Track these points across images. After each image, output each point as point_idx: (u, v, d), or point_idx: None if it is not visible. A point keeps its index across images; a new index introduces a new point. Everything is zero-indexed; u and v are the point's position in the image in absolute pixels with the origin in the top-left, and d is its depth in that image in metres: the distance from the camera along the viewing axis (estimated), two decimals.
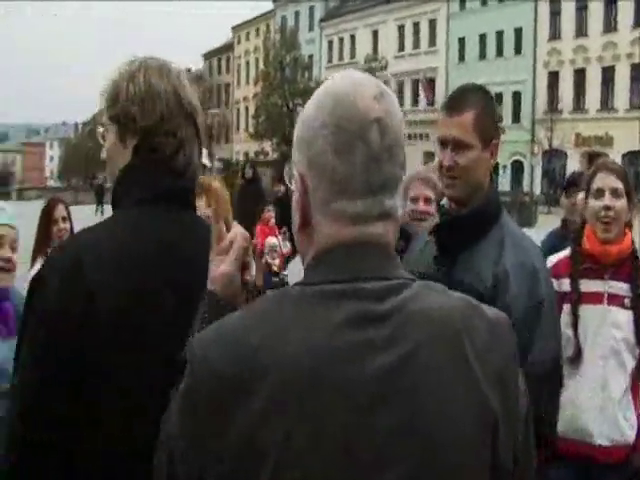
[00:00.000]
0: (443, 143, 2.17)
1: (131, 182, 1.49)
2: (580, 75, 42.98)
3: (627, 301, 2.74)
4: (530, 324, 2.02)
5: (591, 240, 2.81)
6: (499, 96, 45.83)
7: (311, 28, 59.66)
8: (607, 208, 2.74)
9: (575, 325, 2.74)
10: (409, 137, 46.21)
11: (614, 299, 2.74)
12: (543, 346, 2.04)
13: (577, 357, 2.73)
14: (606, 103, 41.65)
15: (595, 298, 2.76)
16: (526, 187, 41.87)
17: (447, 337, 1.03)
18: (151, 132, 1.48)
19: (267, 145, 55.60)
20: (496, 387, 1.04)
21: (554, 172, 42.30)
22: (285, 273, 8.74)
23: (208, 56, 78.92)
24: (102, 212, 31.59)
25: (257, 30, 65.17)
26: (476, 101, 2.18)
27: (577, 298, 2.75)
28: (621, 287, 2.75)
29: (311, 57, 58.46)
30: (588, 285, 2.77)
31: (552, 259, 2.88)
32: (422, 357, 1.01)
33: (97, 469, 1.34)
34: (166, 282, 1.40)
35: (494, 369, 1.05)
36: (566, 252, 2.91)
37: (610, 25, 41.22)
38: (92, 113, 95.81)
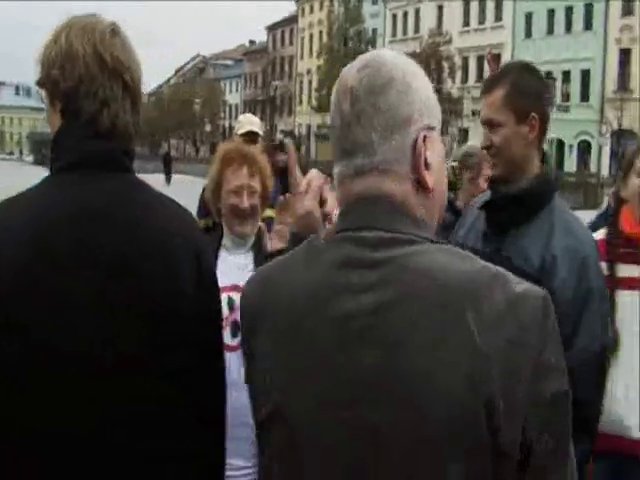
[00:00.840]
0: (483, 124, 2.22)
1: (58, 148, 1.47)
2: None
3: None
4: (577, 311, 2.00)
5: (629, 222, 2.69)
6: (567, 74, 44.74)
7: (375, 2, 59.04)
8: None
9: (612, 312, 2.58)
10: (472, 114, 45.60)
11: None
12: (590, 334, 2.02)
13: (614, 345, 2.59)
14: None
15: (633, 283, 2.62)
16: (593, 168, 40.92)
17: (442, 297, 1.03)
18: (72, 95, 1.45)
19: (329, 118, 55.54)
20: (501, 361, 1.01)
21: (624, 153, 41.24)
22: None
23: (272, 28, 78.90)
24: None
25: (321, 3, 64.82)
26: (508, 78, 2.18)
27: (614, 283, 2.60)
28: None
29: (375, 31, 57.95)
30: (625, 270, 2.64)
31: None
32: (403, 309, 1.04)
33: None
34: (83, 246, 1.37)
35: (504, 342, 1.01)
36: (601, 233, 2.75)
37: None
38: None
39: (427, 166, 1.11)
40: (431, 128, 1.14)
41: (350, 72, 1.15)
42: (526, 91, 2.18)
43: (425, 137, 1.12)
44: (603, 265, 2.51)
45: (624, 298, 2.62)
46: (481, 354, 1.00)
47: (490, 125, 2.18)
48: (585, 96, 44.61)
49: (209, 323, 1.52)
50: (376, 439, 1.02)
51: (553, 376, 1.05)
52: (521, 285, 1.06)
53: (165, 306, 1.41)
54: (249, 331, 1.19)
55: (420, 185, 1.12)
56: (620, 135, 40.44)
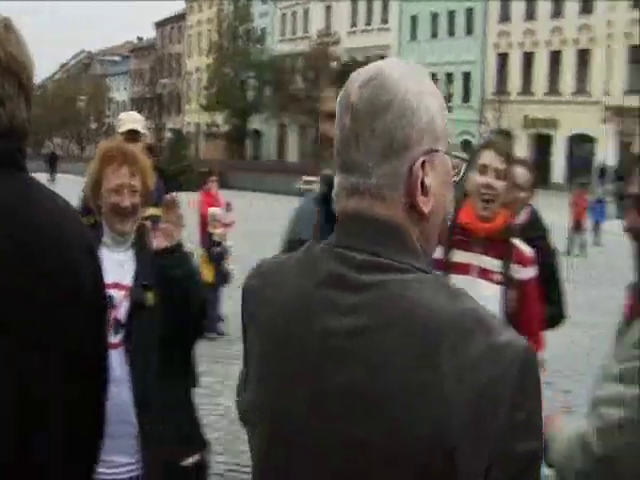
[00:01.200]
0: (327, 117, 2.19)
1: None
2: (528, 58, 43.73)
3: (496, 277, 2.78)
4: None
5: (468, 213, 2.84)
6: (449, 76, 46.27)
7: (264, 1, 59.14)
8: (489, 186, 2.80)
9: None
10: None
11: (484, 273, 2.79)
12: None
13: None
14: (553, 86, 42.52)
15: (465, 269, 2.80)
16: None
17: (419, 334, 1.01)
18: None
19: (218, 117, 55.23)
20: (469, 412, 0.99)
21: None
22: (229, 243, 8.84)
23: (160, 25, 77.62)
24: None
25: (210, 1, 64.35)
26: None
27: (448, 267, 2.77)
28: (492, 263, 2.79)
29: (264, 30, 58.07)
30: (460, 256, 2.81)
31: None
32: (378, 337, 1.03)
33: None
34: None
35: (473, 392, 0.99)
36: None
37: (558, 10, 41.97)
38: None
39: (425, 191, 1.08)
40: (434, 151, 1.10)
41: (354, 85, 1.11)
42: None
43: (424, 162, 1.08)
44: (440, 249, 2.73)
45: (456, 281, 2.76)
46: (446, 402, 0.99)
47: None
48: (466, 97, 46.33)
49: (103, 318, 1.55)
50: (364, 453, 1.02)
51: (523, 435, 1.01)
52: (505, 335, 1.03)
53: (67, 302, 1.41)
54: (244, 327, 1.22)
55: (415, 210, 1.09)
56: (498, 135, 42.27)
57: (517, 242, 2.87)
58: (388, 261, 1.07)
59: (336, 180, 1.14)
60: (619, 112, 37.25)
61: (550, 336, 3.25)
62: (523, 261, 2.81)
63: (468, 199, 2.87)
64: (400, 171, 1.08)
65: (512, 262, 2.80)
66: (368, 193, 1.09)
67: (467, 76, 46.35)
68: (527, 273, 2.83)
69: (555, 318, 3.53)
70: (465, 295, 1.08)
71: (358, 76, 1.12)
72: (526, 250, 2.85)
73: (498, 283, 2.76)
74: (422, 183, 1.08)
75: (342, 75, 2.19)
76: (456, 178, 1.15)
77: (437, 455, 0.98)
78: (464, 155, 1.25)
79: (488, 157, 2.84)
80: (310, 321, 1.08)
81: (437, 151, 1.11)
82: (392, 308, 1.04)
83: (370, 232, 1.09)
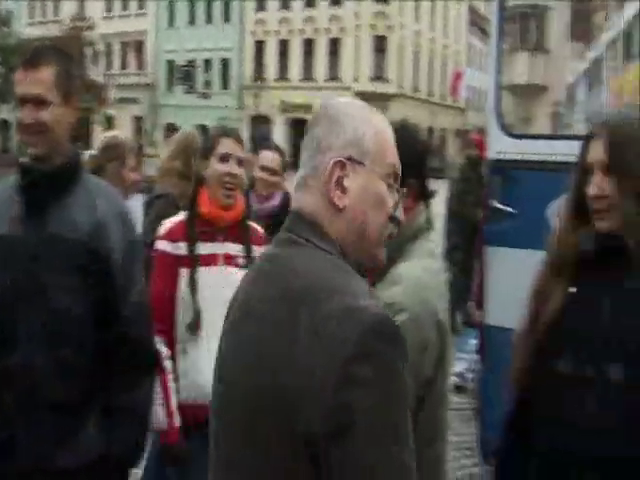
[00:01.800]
0: (22, 100, 2.16)
1: None
2: (284, 45, 45.17)
3: (241, 261, 2.83)
4: (129, 262, 2.23)
5: (208, 204, 2.84)
6: (208, 62, 46.54)
7: None
8: (231, 175, 2.82)
9: (194, 289, 2.76)
10: (120, 101, 45.25)
11: (230, 259, 2.83)
12: (141, 281, 2.30)
13: (196, 321, 2.75)
14: (307, 73, 44.30)
15: (212, 260, 2.81)
16: None
17: (288, 296, 1.23)
18: None
19: None
20: (316, 368, 1.13)
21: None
22: None
23: None
24: None
25: None
26: (55, 58, 2.18)
27: (195, 261, 2.78)
28: (235, 248, 2.84)
29: (11, 13, 54.50)
30: (205, 248, 2.81)
31: (166, 224, 2.87)
32: (263, 301, 1.27)
33: None
34: None
35: (323, 349, 1.15)
36: (181, 216, 2.88)
37: (311, 1, 43.79)
38: None
39: (342, 189, 1.30)
40: (356, 161, 1.32)
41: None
42: (72, 74, 2.27)
43: (343, 163, 1.30)
44: (183, 245, 2.78)
45: (205, 274, 2.79)
46: (305, 354, 1.15)
47: (39, 102, 2.14)
48: (225, 84, 46.88)
49: None
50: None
51: (357, 389, 1.12)
52: (365, 302, 1.19)
53: None
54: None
55: (331, 204, 1.30)
56: (259, 120, 43.28)
57: (252, 224, 2.97)
58: (294, 236, 1.30)
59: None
60: (365, 97, 39.67)
61: None
62: (259, 241, 2.89)
63: (204, 190, 2.87)
64: (321, 165, 1.31)
65: (252, 244, 2.87)
66: (301, 183, 1.34)
67: (226, 63, 46.84)
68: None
69: None
70: (352, 273, 1.28)
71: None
72: (260, 231, 2.97)
73: (243, 266, 2.79)
74: (340, 181, 1.30)
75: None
76: (391, 212, 1.36)
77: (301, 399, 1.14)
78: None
79: (228, 145, 2.85)
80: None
81: (362, 163, 1.32)
82: (279, 274, 1.27)
83: (294, 217, 1.32)
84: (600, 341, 1.88)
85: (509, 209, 3.64)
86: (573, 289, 1.96)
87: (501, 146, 3.70)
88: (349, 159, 1.32)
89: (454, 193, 7.35)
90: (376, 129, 1.36)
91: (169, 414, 2.71)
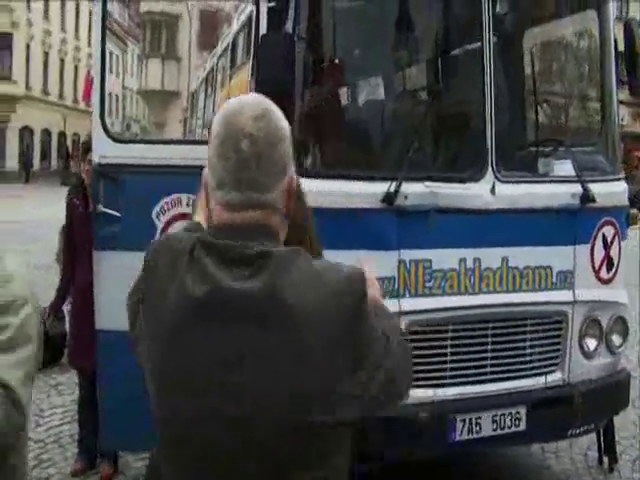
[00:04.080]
0: None
1: None
2: None
3: None
4: None
5: None
6: None
7: None
8: None
9: None
10: None
11: None
12: None
13: None
14: None
15: None
16: None
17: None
18: None
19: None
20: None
21: None
22: None
23: None
24: None
25: None
26: None
27: None
28: None
29: None
30: None
31: None
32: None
33: None
34: None
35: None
36: None
37: None
38: None
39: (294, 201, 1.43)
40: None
41: (244, 118, 1.34)
42: None
43: (293, 178, 1.41)
44: None
45: None
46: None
47: None
48: None
49: None
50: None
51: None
52: (338, 268, 1.36)
53: None
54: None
55: (285, 215, 1.40)
56: None
57: None
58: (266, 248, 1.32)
59: (222, 195, 1.35)
60: None
61: None
62: None
63: None
64: (284, 187, 1.38)
65: None
66: (266, 206, 1.36)
67: None
68: None
69: None
70: (330, 264, 1.39)
71: (242, 111, 1.35)
72: None
73: None
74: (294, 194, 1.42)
75: None
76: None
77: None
78: None
79: None
80: None
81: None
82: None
83: (255, 234, 1.34)
84: None
85: (115, 213, 3.84)
86: None
87: (106, 150, 3.85)
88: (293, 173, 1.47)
89: None
90: None
91: None
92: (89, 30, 48.01)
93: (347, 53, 4.26)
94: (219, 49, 7.15)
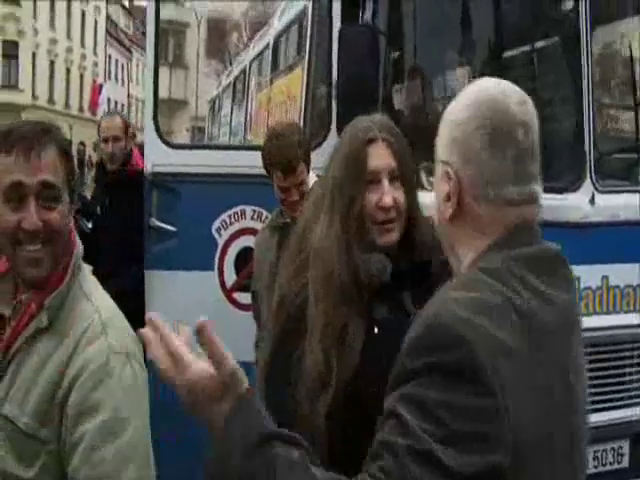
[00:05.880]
0: None
1: None
2: None
3: None
4: None
5: None
6: None
7: None
8: None
9: None
10: None
11: None
12: None
13: None
14: None
15: None
16: None
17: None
18: None
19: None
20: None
21: None
22: None
23: None
24: None
25: None
26: None
27: None
28: None
29: None
30: None
31: None
32: None
33: None
34: None
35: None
36: None
37: None
38: None
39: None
40: None
41: (509, 104, 1.24)
42: None
43: None
44: None
45: None
46: None
47: None
48: None
49: None
50: None
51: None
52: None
53: None
54: None
55: None
56: None
57: None
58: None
59: (506, 193, 1.23)
60: None
61: None
62: None
63: None
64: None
65: None
66: (538, 199, 1.27)
67: None
68: None
69: None
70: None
71: (504, 98, 1.25)
72: None
73: None
74: None
75: None
76: None
77: None
78: None
79: None
80: None
81: None
82: None
83: (533, 233, 1.26)
84: None
85: (170, 227, 3.46)
86: (375, 330, 1.72)
87: (160, 157, 3.48)
88: None
89: None
90: None
91: None
92: (94, 38, 48.20)
93: (431, 46, 3.79)
94: (251, 52, 6.90)
